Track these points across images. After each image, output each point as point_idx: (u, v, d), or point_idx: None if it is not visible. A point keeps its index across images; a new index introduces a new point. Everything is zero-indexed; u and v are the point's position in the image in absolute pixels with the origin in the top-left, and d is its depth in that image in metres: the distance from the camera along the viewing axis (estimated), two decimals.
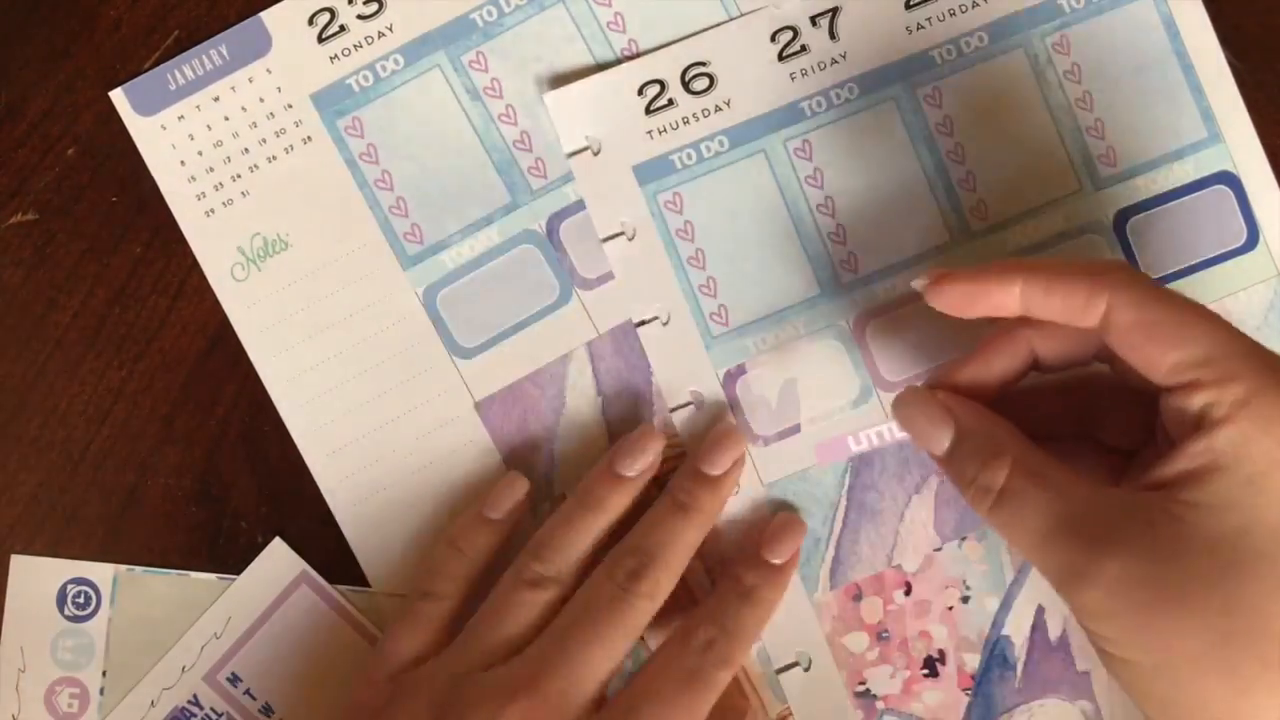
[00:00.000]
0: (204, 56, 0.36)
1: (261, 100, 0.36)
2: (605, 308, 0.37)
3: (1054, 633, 0.36)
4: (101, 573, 0.37)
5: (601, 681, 0.32)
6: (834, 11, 0.36)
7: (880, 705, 0.36)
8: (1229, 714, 0.26)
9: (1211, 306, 0.35)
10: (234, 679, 0.37)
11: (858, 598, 0.36)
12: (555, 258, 0.37)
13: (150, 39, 0.37)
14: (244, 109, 0.36)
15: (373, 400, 0.37)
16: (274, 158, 0.37)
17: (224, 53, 0.36)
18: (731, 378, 0.36)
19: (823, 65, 0.36)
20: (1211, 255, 0.36)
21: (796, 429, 0.36)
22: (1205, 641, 0.25)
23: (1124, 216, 0.36)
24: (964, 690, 0.36)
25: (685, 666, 0.32)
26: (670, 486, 0.35)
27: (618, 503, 0.34)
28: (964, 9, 0.36)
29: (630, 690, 0.32)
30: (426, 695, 0.32)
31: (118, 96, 0.37)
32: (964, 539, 0.36)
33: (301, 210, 0.37)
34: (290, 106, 0.36)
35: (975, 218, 0.36)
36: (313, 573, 0.37)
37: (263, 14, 0.36)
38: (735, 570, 0.34)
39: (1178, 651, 0.26)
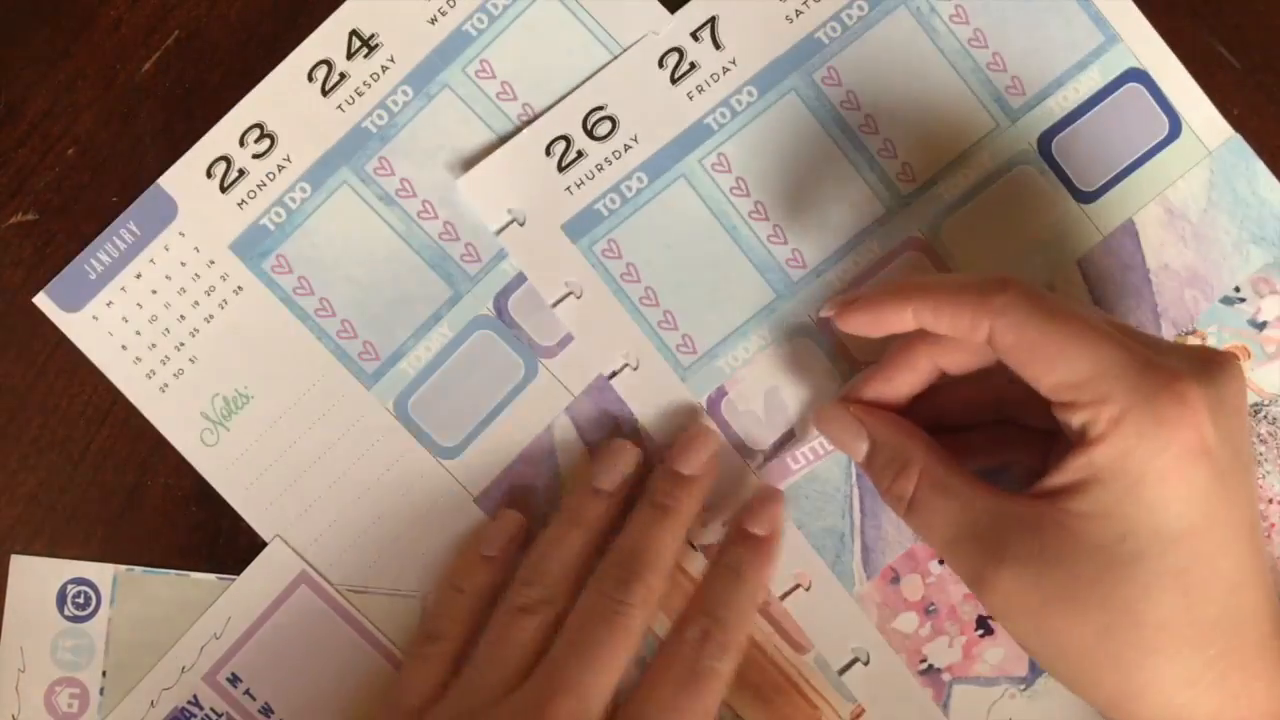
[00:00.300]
0: (115, 238, 0.36)
1: (183, 264, 0.36)
2: (573, 370, 0.36)
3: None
4: (101, 573, 0.37)
5: (607, 697, 0.32)
6: (712, 22, 0.36)
7: (946, 677, 0.36)
8: (1119, 695, 0.29)
9: (1154, 200, 0.36)
10: (234, 679, 0.37)
11: (896, 580, 0.36)
12: (511, 335, 0.37)
13: (150, 39, 0.37)
14: (168, 278, 0.36)
15: (376, 523, 0.37)
16: (211, 317, 0.36)
17: (133, 229, 0.36)
18: (714, 402, 0.36)
19: (716, 77, 0.36)
20: (1141, 153, 0.36)
21: (791, 434, 0.36)
22: (1091, 635, 0.28)
23: (1046, 140, 0.36)
24: None
25: (684, 665, 0.32)
26: (648, 490, 0.35)
27: (599, 516, 0.35)
28: None
29: (634, 701, 0.32)
30: None
31: (42, 300, 0.36)
32: None
33: (253, 360, 0.36)
34: (213, 263, 0.36)
35: (904, 182, 0.36)
36: (313, 572, 0.37)
37: (160, 180, 0.36)
38: (719, 555, 0.35)
39: (1068, 645, 0.28)
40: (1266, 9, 0.37)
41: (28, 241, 0.37)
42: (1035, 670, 0.36)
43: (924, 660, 0.37)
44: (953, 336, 0.30)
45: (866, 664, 0.36)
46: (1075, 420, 0.28)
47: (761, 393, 0.36)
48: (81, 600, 0.37)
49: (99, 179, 0.37)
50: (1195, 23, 0.36)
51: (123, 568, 0.37)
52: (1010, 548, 0.29)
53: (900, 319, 0.31)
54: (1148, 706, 0.28)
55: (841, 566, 0.36)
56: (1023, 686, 0.36)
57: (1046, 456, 0.32)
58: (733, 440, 0.36)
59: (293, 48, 0.36)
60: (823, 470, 0.36)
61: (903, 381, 0.33)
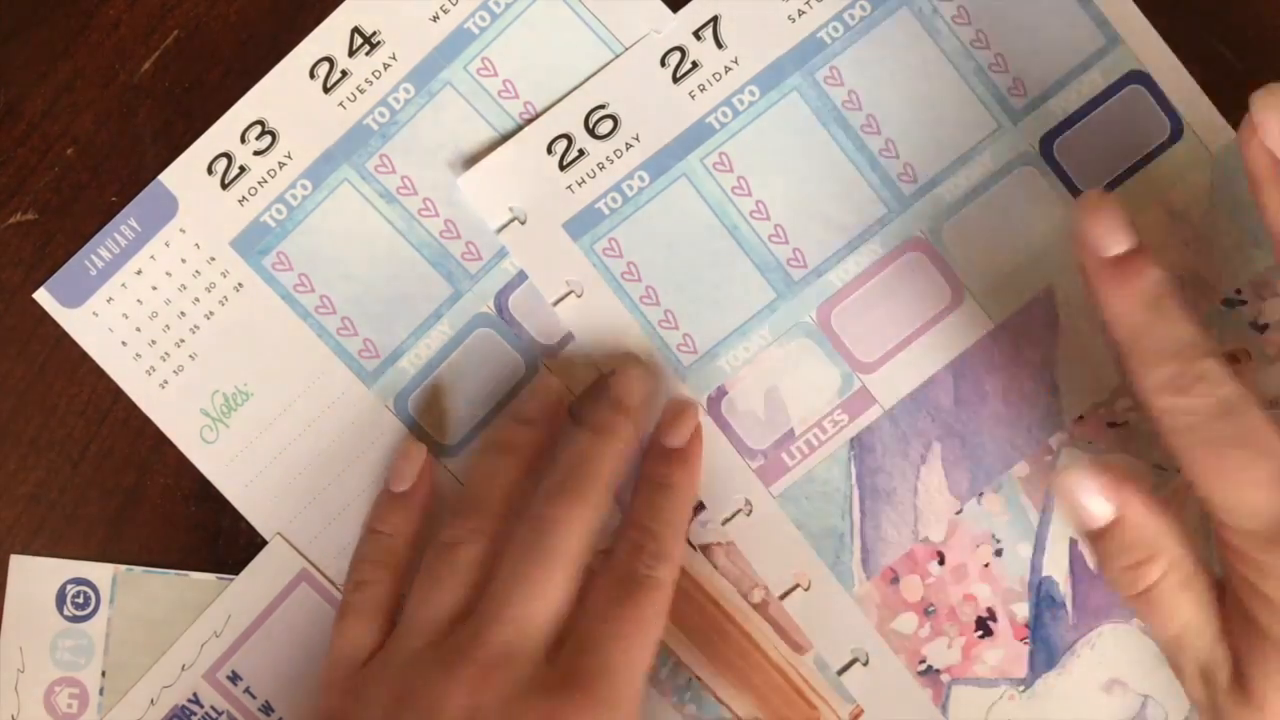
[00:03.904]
0: (116, 234, 0.36)
1: (184, 261, 0.36)
2: (574, 369, 0.36)
3: (1092, 561, 0.36)
4: (101, 573, 0.37)
5: (547, 622, 0.31)
6: (714, 21, 0.36)
7: (945, 678, 0.36)
8: None
9: (1156, 202, 0.36)
10: (234, 677, 0.37)
11: (895, 581, 0.36)
12: (511, 334, 0.36)
13: (150, 39, 0.37)
14: (169, 274, 0.36)
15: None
16: (211, 313, 0.36)
17: (134, 225, 0.36)
18: (714, 402, 0.36)
19: (718, 76, 0.36)
20: (1143, 155, 0.36)
21: (791, 434, 0.36)
22: None
23: (1048, 141, 0.36)
24: (1021, 641, 0.36)
25: (618, 576, 0.31)
26: (643, 473, 0.34)
27: (528, 443, 0.34)
28: None
29: (575, 621, 0.31)
30: (379, 693, 0.31)
31: (43, 296, 0.36)
32: (981, 495, 0.36)
33: (253, 357, 0.36)
34: (213, 259, 0.36)
35: (905, 182, 0.36)
36: (313, 571, 0.36)
37: (161, 176, 0.36)
38: (643, 472, 0.34)
39: None
40: (1267, 9, 0.37)
41: (27, 241, 0.37)
42: (1035, 671, 0.36)
43: (923, 661, 0.36)
44: None
45: (865, 664, 0.36)
46: None
47: (762, 392, 0.36)
48: (81, 600, 0.37)
49: (99, 178, 0.37)
50: (1196, 23, 0.36)
51: (122, 567, 0.37)
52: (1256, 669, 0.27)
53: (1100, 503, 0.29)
54: None
55: (841, 567, 0.36)
56: (1022, 688, 0.36)
57: None
58: (732, 439, 0.36)
59: (293, 47, 0.36)
60: (822, 470, 0.36)
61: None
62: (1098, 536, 0.30)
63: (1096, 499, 0.29)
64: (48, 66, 0.37)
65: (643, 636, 0.31)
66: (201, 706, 0.37)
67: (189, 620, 0.37)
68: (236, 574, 0.37)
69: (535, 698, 0.29)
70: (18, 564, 0.37)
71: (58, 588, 0.37)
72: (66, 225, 0.37)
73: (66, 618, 0.37)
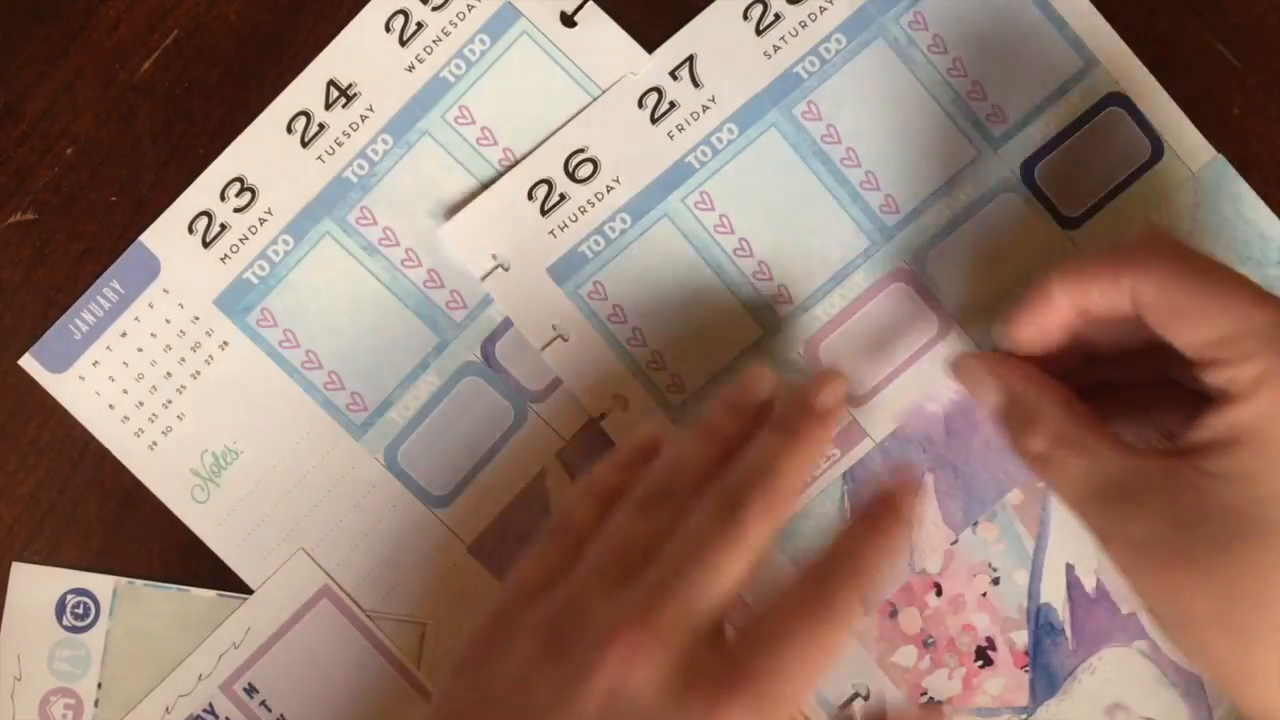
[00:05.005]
0: (99, 297, 0.36)
1: (168, 321, 0.36)
2: (564, 414, 0.36)
3: (1089, 586, 0.36)
4: (101, 584, 0.37)
5: (718, 609, 0.29)
6: (690, 60, 0.36)
7: (947, 709, 0.36)
8: (1239, 668, 0.28)
9: (1138, 221, 0.36)
10: (250, 689, 0.36)
11: (893, 614, 0.36)
12: (499, 381, 0.36)
13: (150, 39, 0.37)
14: (154, 335, 0.36)
15: (372, 572, 0.36)
16: (198, 373, 0.36)
17: (117, 287, 0.36)
18: None
19: (696, 116, 0.36)
20: (1125, 176, 0.36)
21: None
22: (1213, 602, 0.27)
23: (1029, 167, 0.36)
24: (1022, 669, 0.36)
25: (820, 590, 0.29)
26: (774, 418, 0.33)
27: (732, 434, 0.33)
28: (813, 18, 0.36)
29: (758, 619, 0.29)
30: (539, 621, 0.30)
31: (28, 362, 0.36)
32: (976, 523, 0.36)
33: (241, 415, 0.36)
34: (197, 319, 0.36)
35: (887, 213, 0.36)
36: (335, 587, 0.36)
37: (142, 237, 0.36)
38: (865, 509, 0.32)
39: (1189, 610, 0.28)
40: (1267, 9, 0.37)
41: (27, 241, 0.37)
42: (1036, 699, 0.36)
43: (924, 693, 0.36)
44: (1110, 311, 0.30)
45: (867, 699, 0.36)
46: (1217, 379, 0.28)
47: None
48: (81, 611, 0.37)
49: (98, 179, 0.37)
50: (1195, 23, 0.36)
51: (123, 580, 0.37)
52: (1141, 507, 0.28)
53: (1056, 309, 0.30)
54: (1265, 689, 0.27)
55: None
56: (1024, 716, 0.36)
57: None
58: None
59: (293, 47, 0.36)
60: (815, 505, 0.36)
61: (1040, 324, 0.32)
62: (999, 417, 0.32)
63: (985, 381, 0.32)
64: (48, 66, 0.37)
65: (823, 653, 0.29)
66: (216, 717, 0.36)
67: (188, 635, 0.36)
68: (238, 590, 0.36)
69: (696, 679, 0.28)
70: (18, 572, 0.37)
71: (58, 597, 0.37)
72: (66, 225, 0.37)
73: (65, 628, 0.37)
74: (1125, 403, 0.33)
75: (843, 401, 0.33)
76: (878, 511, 0.32)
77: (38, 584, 0.37)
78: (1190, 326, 0.28)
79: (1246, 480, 0.27)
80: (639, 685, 0.27)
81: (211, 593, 0.37)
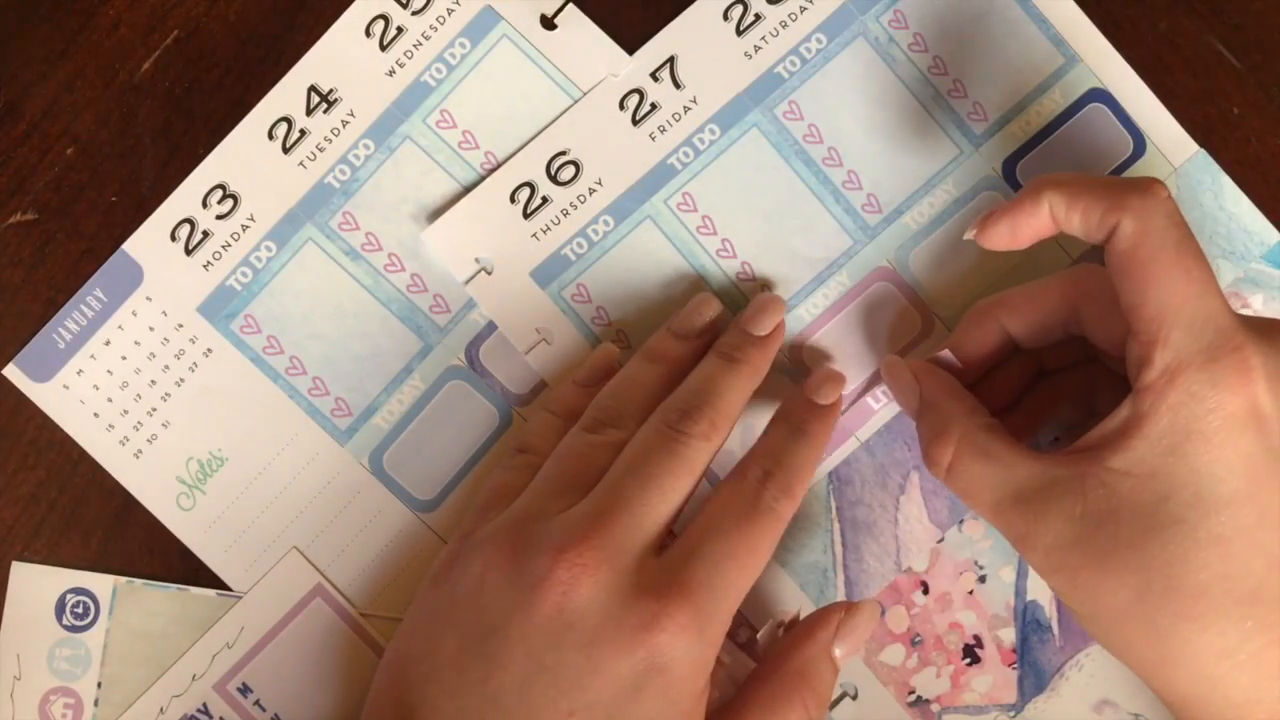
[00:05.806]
0: (82, 306, 0.36)
1: (152, 329, 0.36)
2: None
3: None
4: (101, 584, 0.37)
5: (660, 525, 0.31)
6: (671, 61, 0.36)
7: (935, 708, 0.36)
8: (1154, 661, 0.29)
9: None
10: (244, 689, 0.36)
11: (880, 613, 0.36)
12: (484, 385, 0.36)
13: (150, 39, 0.37)
14: (137, 343, 0.36)
15: (362, 574, 0.36)
16: (182, 380, 0.36)
17: (100, 296, 0.36)
18: None
19: (677, 117, 0.36)
20: (1107, 172, 0.36)
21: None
22: (1127, 597, 0.28)
23: (1011, 164, 0.36)
24: (1010, 666, 0.36)
25: (744, 500, 0.32)
26: (716, 345, 0.35)
27: (677, 358, 0.34)
28: (793, 18, 0.36)
29: (690, 530, 0.31)
30: (496, 534, 0.32)
31: (12, 371, 0.36)
32: (961, 522, 0.36)
33: (226, 422, 0.36)
34: (181, 326, 0.36)
35: (870, 212, 0.36)
36: (328, 586, 0.36)
37: (125, 245, 0.36)
38: (783, 412, 0.34)
39: (1106, 606, 0.29)
40: (1266, 9, 0.37)
41: (27, 241, 0.37)
42: (1024, 696, 0.36)
43: (912, 692, 0.36)
44: (1079, 236, 0.30)
45: (855, 698, 0.36)
46: (1137, 353, 0.28)
47: (739, 429, 0.36)
48: (80, 610, 0.37)
49: (98, 179, 0.37)
50: (1195, 23, 0.36)
51: (123, 580, 0.37)
52: (1051, 511, 0.29)
53: (1037, 217, 0.30)
54: (1182, 675, 0.28)
55: (826, 601, 0.36)
56: (1012, 713, 0.36)
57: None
58: (709, 478, 0.36)
59: (292, 48, 0.36)
60: (802, 506, 0.36)
61: (972, 344, 0.33)
62: (917, 422, 0.33)
63: (905, 385, 0.33)
64: (48, 66, 0.37)
65: (753, 561, 0.31)
66: (211, 717, 0.37)
67: (187, 635, 0.36)
68: (236, 589, 0.36)
69: (638, 592, 0.30)
70: (19, 571, 0.37)
71: (58, 597, 0.37)
72: (66, 225, 0.37)
73: (65, 627, 0.37)
74: (1065, 386, 0.34)
75: (781, 325, 0.35)
76: (797, 409, 0.34)
77: (37, 583, 0.37)
78: (1143, 288, 0.28)
79: (1150, 477, 0.28)
80: (585, 599, 0.29)
81: (211, 592, 0.37)
